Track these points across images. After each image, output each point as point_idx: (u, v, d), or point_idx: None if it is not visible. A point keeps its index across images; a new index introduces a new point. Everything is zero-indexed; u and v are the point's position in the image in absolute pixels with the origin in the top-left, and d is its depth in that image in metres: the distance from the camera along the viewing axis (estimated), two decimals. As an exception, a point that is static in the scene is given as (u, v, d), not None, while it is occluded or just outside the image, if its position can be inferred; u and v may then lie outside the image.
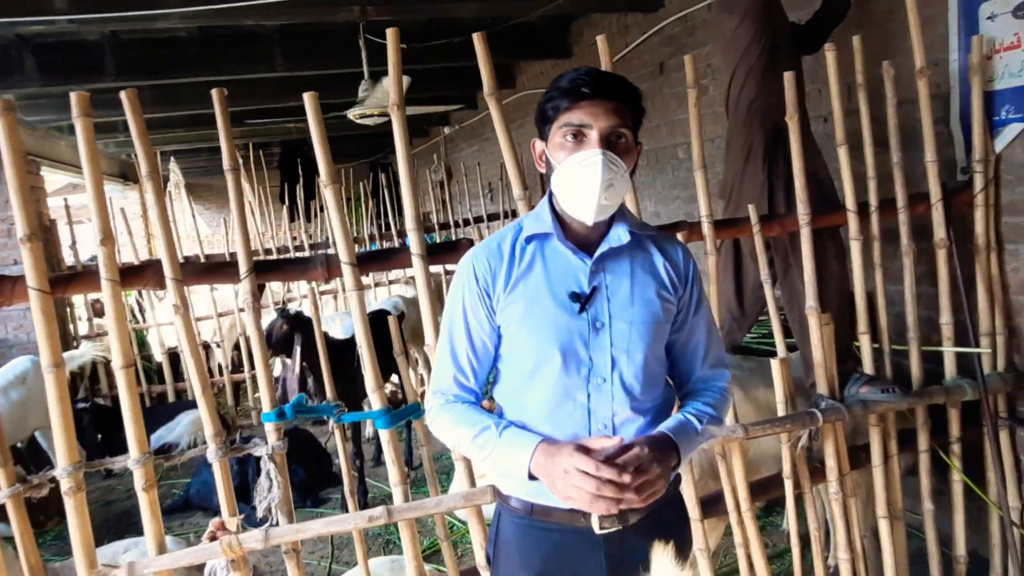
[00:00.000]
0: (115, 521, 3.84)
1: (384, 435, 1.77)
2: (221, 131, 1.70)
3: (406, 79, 4.50)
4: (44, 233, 5.22)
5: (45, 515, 3.72)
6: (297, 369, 3.39)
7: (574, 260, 1.19)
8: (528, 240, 1.21)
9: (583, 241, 1.21)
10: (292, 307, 4.57)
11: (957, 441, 2.22)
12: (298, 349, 3.39)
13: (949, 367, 2.24)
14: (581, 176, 1.12)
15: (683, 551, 1.33)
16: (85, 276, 1.75)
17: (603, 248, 1.19)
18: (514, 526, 1.26)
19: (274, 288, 6.01)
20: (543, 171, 1.22)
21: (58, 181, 9.21)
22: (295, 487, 3.90)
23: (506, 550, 1.28)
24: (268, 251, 5.83)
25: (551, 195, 1.22)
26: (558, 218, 1.22)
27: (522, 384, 1.22)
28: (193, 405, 4.46)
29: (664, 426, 1.16)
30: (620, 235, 1.19)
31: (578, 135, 1.13)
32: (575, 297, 1.16)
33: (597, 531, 1.19)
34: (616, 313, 1.18)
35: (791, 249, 2.32)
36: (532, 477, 1.12)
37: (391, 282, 5.92)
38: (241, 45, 4.81)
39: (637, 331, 1.18)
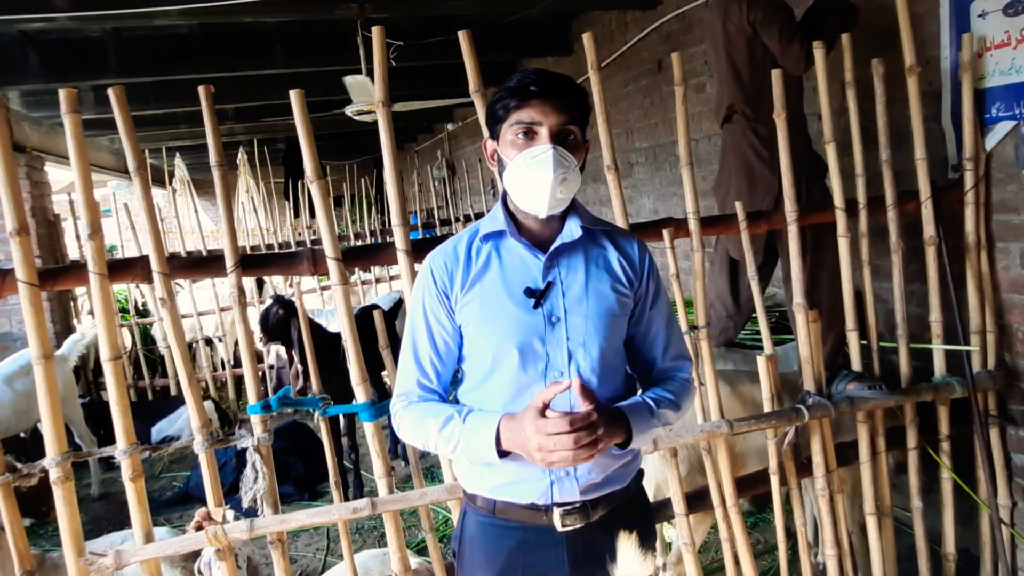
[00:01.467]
0: (115, 513, 3.89)
1: (368, 428, 1.78)
2: (208, 127, 1.72)
3: (448, 101, 4.55)
4: (48, 228, 5.29)
5: (46, 506, 3.77)
6: (297, 356, 3.40)
7: (528, 256, 1.21)
8: (484, 240, 1.23)
9: (537, 238, 1.23)
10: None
11: (946, 439, 2.21)
12: (295, 335, 3.41)
13: (938, 365, 2.23)
14: (534, 171, 1.14)
15: (646, 546, 1.34)
16: (74, 270, 1.78)
17: (556, 243, 1.21)
18: (478, 524, 1.28)
19: (276, 283, 6.04)
20: (495, 170, 1.23)
21: (64, 179, 9.30)
22: (293, 480, 3.93)
23: (470, 547, 1.29)
24: (270, 247, 5.87)
25: (504, 194, 1.24)
26: (512, 217, 1.24)
27: (481, 381, 1.23)
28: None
29: (619, 404, 1.18)
30: (572, 230, 1.21)
31: (529, 132, 1.15)
32: (530, 292, 1.18)
33: (559, 528, 1.20)
34: (571, 307, 1.19)
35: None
36: (503, 454, 1.13)
37: (392, 278, 5.95)
38: (242, 42, 4.83)
39: (593, 324, 1.20)
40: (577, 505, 1.21)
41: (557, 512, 1.20)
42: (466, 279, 1.22)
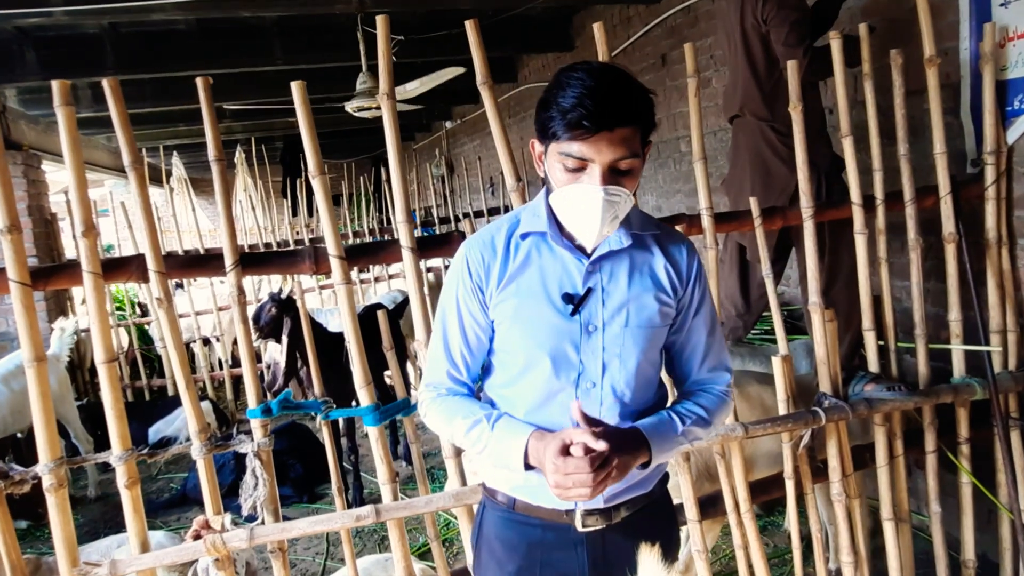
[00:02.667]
0: (112, 514, 3.83)
1: (372, 433, 1.72)
2: (206, 120, 1.66)
3: (458, 69, 4.42)
4: (45, 227, 5.22)
5: (42, 508, 3.71)
6: (285, 354, 3.34)
7: (570, 260, 1.14)
8: (524, 236, 1.16)
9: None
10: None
11: (966, 442, 2.16)
12: (286, 333, 3.35)
13: (958, 365, 2.17)
14: (581, 210, 1.06)
15: (669, 553, 1.29)
16: (68, 269, 1.72)
17: (602, 250, 1.13)
18: (497, 519, 1.24)
19: (274, 281, 5.98)
20: (541, 174, 1.15)
21: (63, 179, 9.22)
22: (292, 482, 3.87)
23: (488, 543, 1.26)
24: (269, 245, 5.80)
25: (547, 190, 1.15)
26: (554, 216, 1.15)
27: (511, 380, 1.18)
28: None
29: (641, 422, 1.12)
30: (621, 238, 1.13)
31: (579, 165, 1.05)
32: (568, 298, 1.12)
33: (580, 529, 1.17)
34: (610, 317, 1.13)
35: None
36: (529, 467, 1.09)
37: (391, 276, 5.89)
38: (240, 38, 4.77)
39: (632, 336, 1.14)
40: (600, 508, 1.17)
41: (579, 512, 1.17)
42: (503, 275, 1.15)
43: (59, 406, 4.02)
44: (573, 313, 1.12)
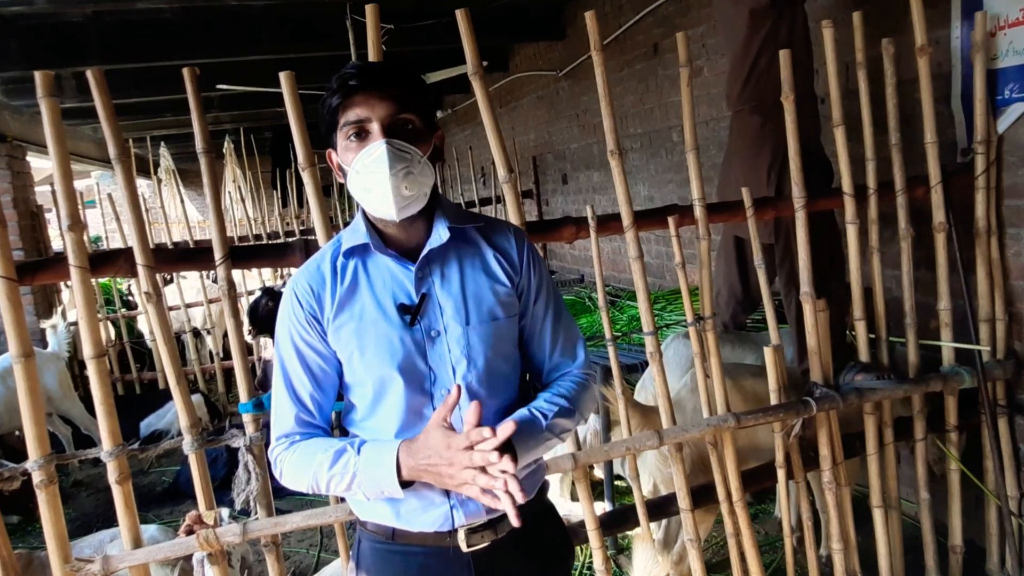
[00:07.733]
0: (104, 508, 3.81)
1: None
2: (193, 112, 1.64)
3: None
4: (30, 220, 5.16)
5: (34, 503, 3.69)
6: None
7: (397, 269, 1.12)
8: (348, 256, 1.13)
9: (404, 247, 1.13)
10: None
11: (954, 429, 2.18)
12: None
13: (947, 354, 2.19)
14: (371, 171, 1.04)
15: (564, 568, 1.27)
16: (55, 263, 1.70)
17: (425, 251, 1.11)
18: (375, 551, 1.17)
19: (265, 276, 5.95)
20: (343, 182, 1.13)
21: (48, 168, 9.12)
22: (286, 475, 3.87)
23: None
24: (259, 237, 5.76)
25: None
26: (375, 227, 1.14)
27: (369, 410, 1.14)
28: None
29: (502, 423, 1.05)
30: (440, 234, 1.11)
31: (361, 132, 1.06)
32: (404, 309, 1.10)
33: (465, 549, 1.12)
34: (450, 319, 1.11)
35: (791, 234, 2.26)
36: (405, 484, 1.05)
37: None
38: (227, 27, 4.70)
39: (476, 333, 1.11)
40: (483, 523, 1.13)
41: (462, 532, 1.12)
42: (335, 300, 1.11)
43: (61, 403, 4.00)
44: (412, 323, 1.09)
